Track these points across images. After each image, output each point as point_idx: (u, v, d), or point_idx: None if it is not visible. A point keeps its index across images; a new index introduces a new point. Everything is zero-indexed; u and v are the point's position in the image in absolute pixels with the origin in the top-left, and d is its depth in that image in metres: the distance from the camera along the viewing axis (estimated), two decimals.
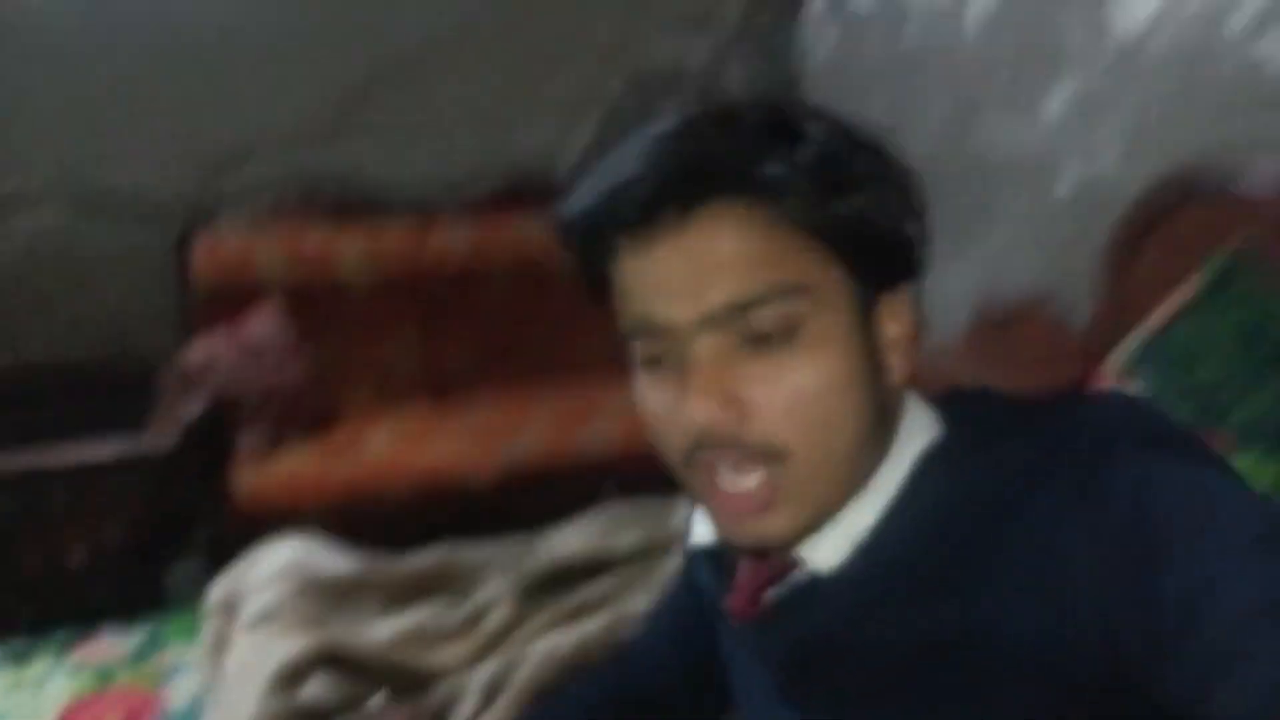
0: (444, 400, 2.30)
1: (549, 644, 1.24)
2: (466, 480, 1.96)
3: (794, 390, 0.55)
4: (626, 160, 0.56)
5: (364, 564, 1.43)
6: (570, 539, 1.52)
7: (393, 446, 2.07)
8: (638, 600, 1.37)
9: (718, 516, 0.59)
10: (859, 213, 0.56)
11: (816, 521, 0.58)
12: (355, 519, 1.75)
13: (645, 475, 1.72)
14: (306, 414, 2.05)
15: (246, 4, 2.31)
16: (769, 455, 0.55)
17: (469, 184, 2.52)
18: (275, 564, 1.41)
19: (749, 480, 0.56)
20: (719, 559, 0.71)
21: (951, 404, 0.63)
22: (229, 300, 2.15)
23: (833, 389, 0.55)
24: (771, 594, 0.64)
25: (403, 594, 1.37)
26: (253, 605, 1.30)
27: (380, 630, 1.27)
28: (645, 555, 1.49)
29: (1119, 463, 0.51)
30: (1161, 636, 0.46)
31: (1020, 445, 0.55)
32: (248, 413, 1.98)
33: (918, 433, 0.61)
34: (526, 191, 2.50)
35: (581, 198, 0.58)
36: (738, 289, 0.54)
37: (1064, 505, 0.51)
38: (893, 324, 0.59)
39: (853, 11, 2.56)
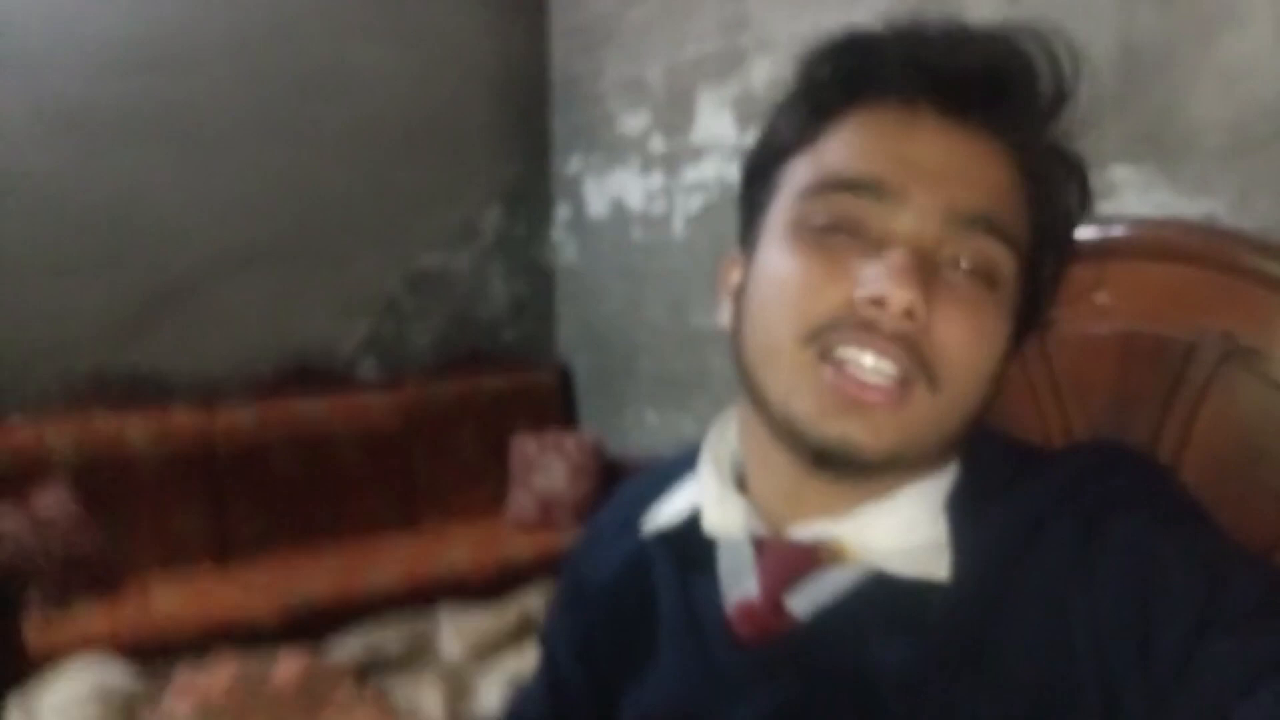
0: (230, 562, 2.53)
1: None
2: (253, 624, 2.17)
3: (979, 332, 0.51)
4: (954, 31, 0.52)
5: (160, 679, 1.63)
6: (347, 647, 1.81)
7: (179, 601, 2.27)
8: (404, 692, 1.66)
9: (821, 398, 0.50)
10: (1068, 231, 0.55)
11: (901, 463, 0.52)
12: (146, 663, 1.91)
13: (424, 608, 2.06)
14: (95, 577, 2.21)
15: (52, 224, 2.59)
16: (925, 370, 0.49)
17: (254, 369, 2.84)
18: (73, 688, 1.58)
19: (889, 370, 0.49)
20: (694, 552, 0.60)
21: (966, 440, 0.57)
22: (19, 479, 2.30)
23: (997, 354, 0.52)
24: (801, 600, 0.55)
25: None
26: None
27: None
28: (409, 658, 1.81)
29: (1121, 517, 0.49)
30: (1160, 692, 0.44)
31: (1028, 496, 0.53)
32: (36, 577, 2.11)
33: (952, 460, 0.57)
34: (308, 375, 2.88)
35: (888, 36, 0.53)
36: (995, 207, 0.51)
37: (1065, 556, 0.49)
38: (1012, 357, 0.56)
39: (589, 220, 3.18)
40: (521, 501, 2.89)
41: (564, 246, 3.33)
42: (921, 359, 0.49)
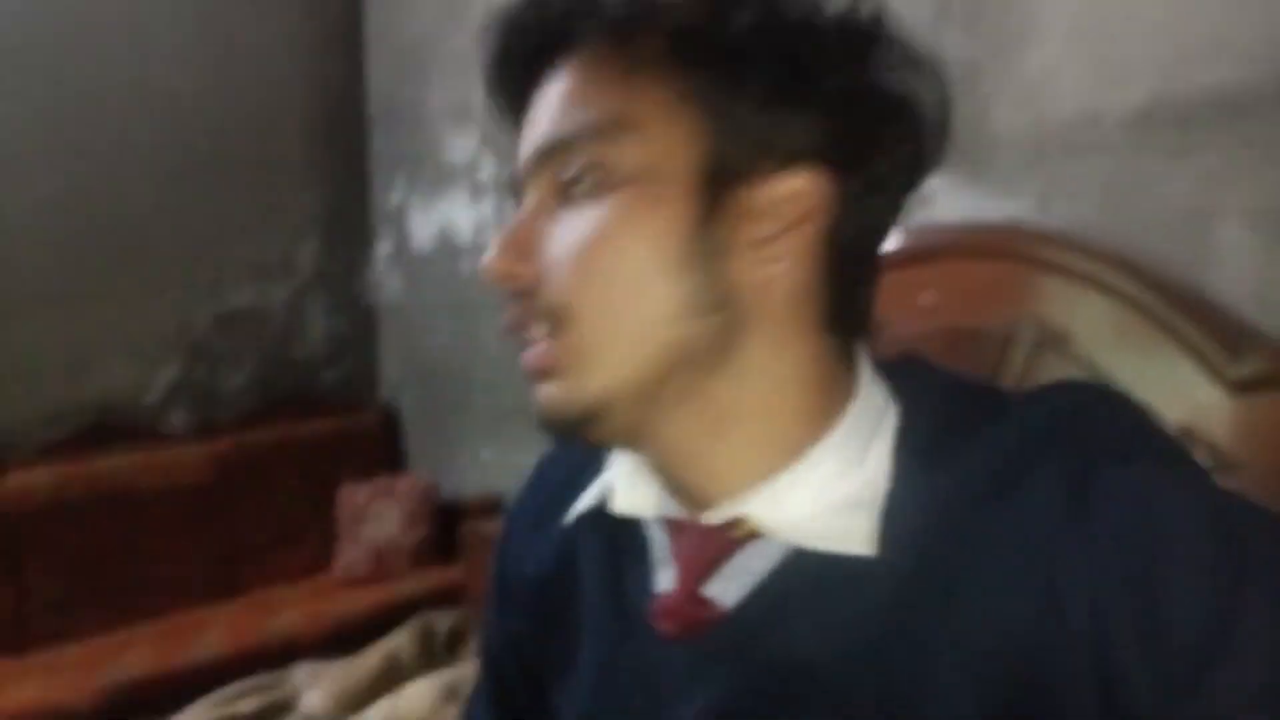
0: (28, 647, 2.24)
1: None
2: (67, 714, 1.94)
3: (583, 241, 0.48)
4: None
5: None
6: (194, 714, 1.66)
7: None
8: None
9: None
10: (735, 49, 0.47)
11: (612, 410, 0.48)
12: None
13: (259, 669, 1.91)
14: None
15: None
16: (554, 318, 0.48)
17: (50, 425, 2.54)
18: None
19: (537, 346, 0.49)
20: (626, 536, 0.56)
21: (903, 377, 0.53)
22: None
23: (635, 248, 0.47)
24: (726, 587, 0.50)
25: None
26: None
27: None
28: (265, 715, 1.69)
29: (1116, 466, 0.44)
30: (1171, 678, 0.40)
31: (998, 440, 0.47)
32: None
33: (879, 402, 0.51)
34: (109, 428, 2.60)
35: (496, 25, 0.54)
36: (552, 128, 0.50)
37: (1049, 511, 0.44)
38: (761, 221, 0.48)
39: (414, 253, 3.10)
40: (351, 555, 2.70)
41: (387, 281, 3.23)
42: (540, 306, 0.49)
